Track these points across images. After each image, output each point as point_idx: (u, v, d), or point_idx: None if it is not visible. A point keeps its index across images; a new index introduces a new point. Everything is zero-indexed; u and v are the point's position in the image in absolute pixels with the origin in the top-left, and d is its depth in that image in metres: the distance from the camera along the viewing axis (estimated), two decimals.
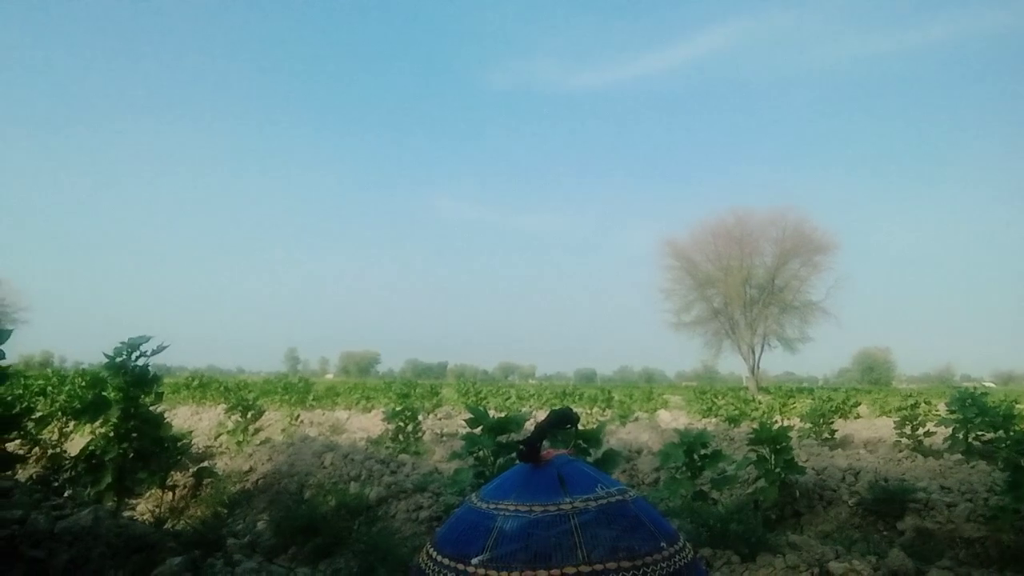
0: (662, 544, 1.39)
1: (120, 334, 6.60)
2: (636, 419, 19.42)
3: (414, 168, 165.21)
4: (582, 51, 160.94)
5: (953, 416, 11.10)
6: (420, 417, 12.81)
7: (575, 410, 2.17)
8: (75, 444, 6.91)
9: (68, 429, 9.36)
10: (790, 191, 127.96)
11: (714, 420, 19.74)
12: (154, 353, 6.60)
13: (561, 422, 1.66)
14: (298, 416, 15.24)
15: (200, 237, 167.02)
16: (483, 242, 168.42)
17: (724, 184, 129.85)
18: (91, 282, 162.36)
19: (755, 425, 7.74)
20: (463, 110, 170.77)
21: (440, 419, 18.94)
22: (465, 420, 5.80)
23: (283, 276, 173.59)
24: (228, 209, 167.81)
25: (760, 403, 24.26)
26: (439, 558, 1.42)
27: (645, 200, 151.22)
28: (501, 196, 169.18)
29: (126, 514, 5.91)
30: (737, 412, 20.28)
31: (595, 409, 22.80)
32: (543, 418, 1.67)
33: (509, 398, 27.07)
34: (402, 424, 11.24)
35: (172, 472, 7.04)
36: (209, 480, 7.63)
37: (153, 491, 6.98)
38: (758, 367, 60.76)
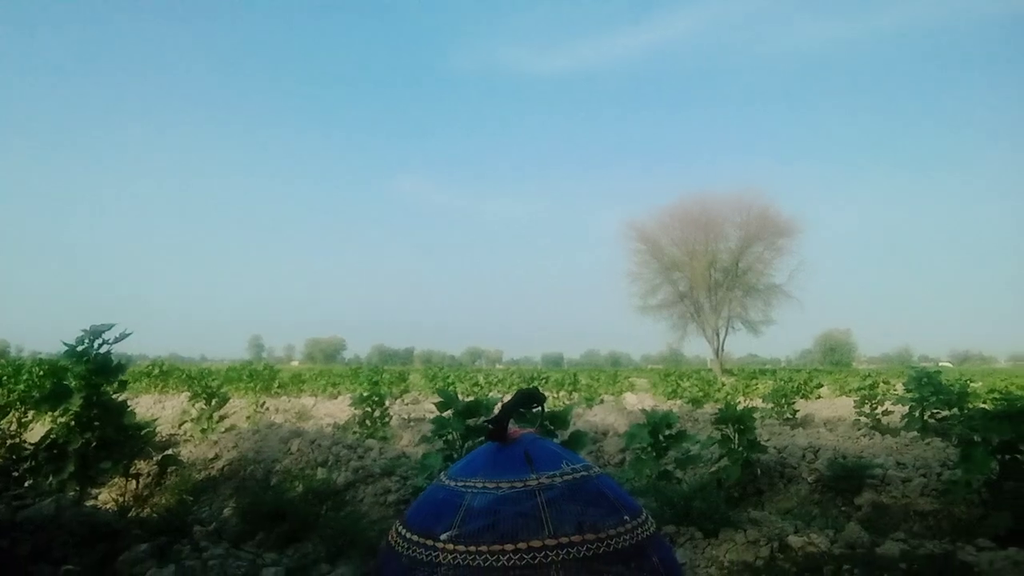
0: (625, 517, 1.43)
1: (79, 323, 6.50)
2: (602, 402, 19.60)
3: (379, 153, 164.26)
4: (549, 34, 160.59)
5: (910, 395, 11.41)
6: (387, 402, 12.79)
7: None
8: (35, 434, 6.78)
9: (27, 419, 9.19)
10: (755, 174, 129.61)
11: (679, 402, 20.00)
12: (116, 341, 6.50)
13: (528, 401, 1.69)
14: (264, 403, 15.13)
15: (160, 225, 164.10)
16: (449, 227, 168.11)
17: (690, 167, 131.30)
18: (49, 271, 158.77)
19: (719, 406, 7.87)
20: (428, 94, 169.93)
21: (407, 404, 18.94)
22: (434, 404, 5.83)
23: (246, 262, 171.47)
24: (188, 196, 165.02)
25: (724, 385, 24.63)
26: (408, 535, 1.44)
27: (613, 183, 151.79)
28: (468, 181, 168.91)
29: (89, 503, 5.85)
30: (701, 394, 20.59)
31: (562, 393, 22.97)
32: (510, 398, 1.69)
33: (476, 383, 27.10)
34: (369, 409, 11.22)
35: (136, 460, 6.95)
36: (174, 468, 7.55)
37: (116, 480, 6.89)
38: (722, 349, 61.49)
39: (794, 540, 4.33)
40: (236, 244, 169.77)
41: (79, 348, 6.35)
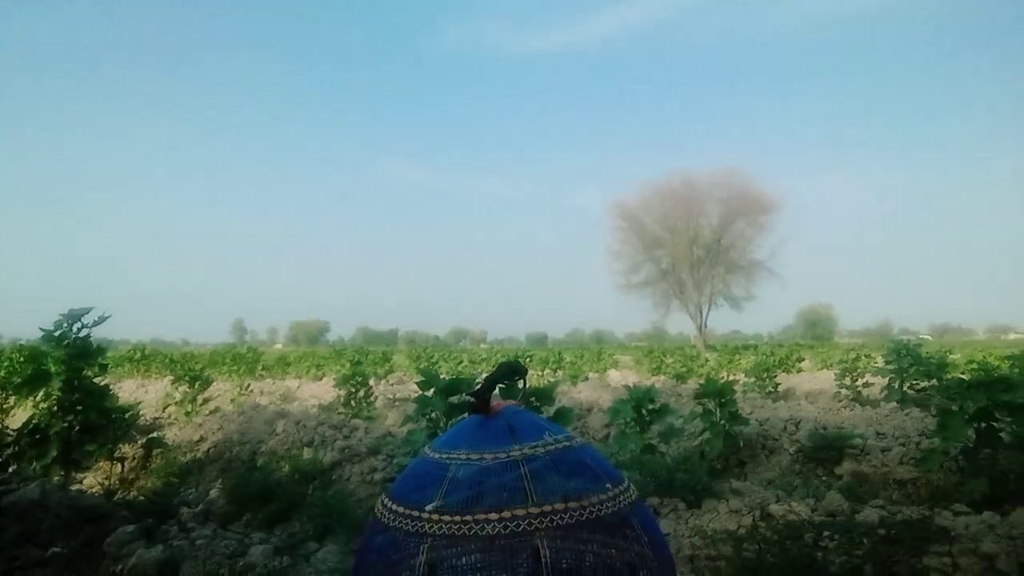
0: (607, 486, 1.45)
1: (59, 308, 6.45)
2: (587, 379, 19.71)
3: (361, 134, 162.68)
4: (535, 12, 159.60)
5: (890, 367, 11.58)
6: (372, 382, 12.81)
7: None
8: (17, 419, 6.76)
9: (9, 405, 9.13)
10: (738, 151, 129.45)
11: (662, 378, 20.12)
12: (95, 324, 6.46)
13: (510, 374, 1.70)
14: (248, 386, 15.09)
15: (141, 209, 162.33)
16: (433, 208, 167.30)
17: (674, 145, 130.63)
18: (27, 257, 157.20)
19: (702, 381, 7.95)
20: (412, 74, 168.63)
21: (392, 385, 18.95)
22: (417, 383, 5.85)
23: (227, 244, 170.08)
24: (168, 180, 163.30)
25: (707, 360, 24.84)
26: (395, 507, 1.45)
27: (597, 162, 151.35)
28: (451, 160, 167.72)
29: (74, 487, 5.84)
30: (685, 369, 20.75)
31: (546, 371, 23.07)
32: (492, 371, 1.71)
33: (461, 362, 27.18)
34: (353, 389, 11.24)
35: (120, 444, 6.94)
36: (159, 451, 7.55)
37: (102, 463, 6.88)
38: (705, 326, 61.94)
39: (776, 509, 4.40)
40: (217, 227, 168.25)
41: (57, 332, 6.31)
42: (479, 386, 1.65)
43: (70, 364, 6.28)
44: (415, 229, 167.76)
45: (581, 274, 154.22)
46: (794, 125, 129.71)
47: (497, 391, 2.18)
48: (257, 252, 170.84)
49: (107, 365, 6.81)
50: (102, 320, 6.49)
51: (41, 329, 6.41)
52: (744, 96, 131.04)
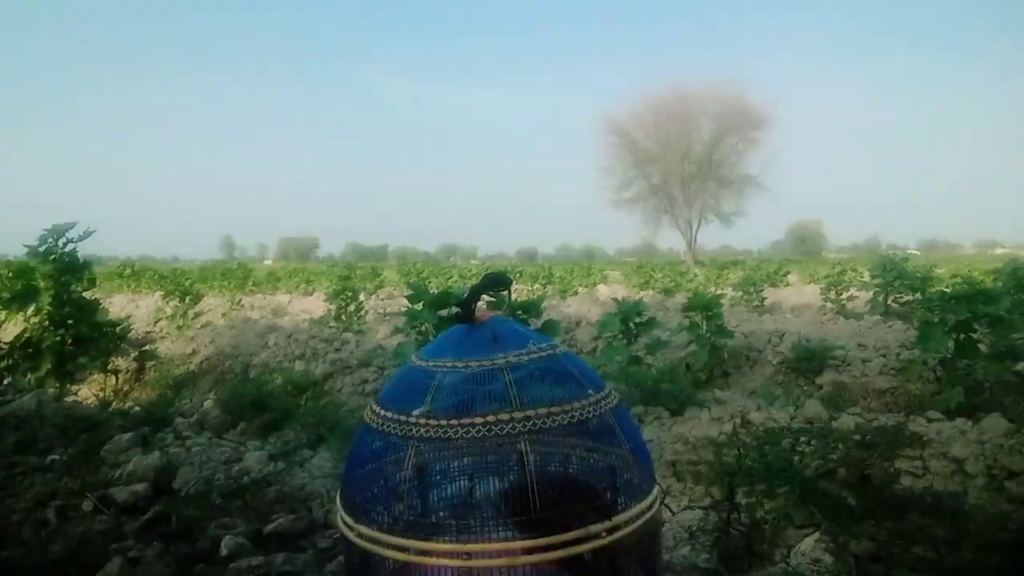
0: (589, 391, 1.49)
1: (44, 224, 6.40)
2: (576, 294, 19.86)
3: (347, 44, 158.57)
4: None
5: (875, 281, 11.72)
6: (362, 297, 12.88)
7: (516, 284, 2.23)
8: (8, 333, 6.79)
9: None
10: (730, 65, 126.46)
11: (651, 292, 20.25)
12: (81, 239, 6.43)
13: (494, 284, 1.72)
14: (239, 300, 15.14)
15: (126, 122, 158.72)
16: (422, 120, 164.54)
17: (668, 57, 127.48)
18: (13, 173, 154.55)
19: (690, 295, 8.04)
20: None
21: (383, 300, 19.06)
22: (406, 297, 5.89)
23: (216, 161, 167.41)
24: (155, 96, 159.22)
25: (696, 275, 24.99)
26: (383, 412, 1.49)
27: (590, 74, 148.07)
28: (439, 71, 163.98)
29: (69, 400, 5.93)
30: (673, 284, 20.88)
31: (536, 286, 23.17)
32: (478, 281, 1.73)
33: (451, 277, 27.20)
34: (344, 304, 11.31)
35: (113, 357, 7.01)
36: (152, 364, 7.63)
37: (95, 376, 6.97)
38: (695, 241, 62.03)
39: (756, 416, 4.54)
40: (204, 143, 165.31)
41: (42, 248, 6.28)
42: (465, 295, 1.67)
43: (58, 279, 6.28)
44: (404, 144, 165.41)
45: (572, 189, 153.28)
46: (786, 40, 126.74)
47: (484, 303, 2.21)
48: (245, 168, 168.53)
49: (95, 280, 6.81)
50: (87, 235, 6.44)
51: (25, 246, 6.38)
52: (737, 9, 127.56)
